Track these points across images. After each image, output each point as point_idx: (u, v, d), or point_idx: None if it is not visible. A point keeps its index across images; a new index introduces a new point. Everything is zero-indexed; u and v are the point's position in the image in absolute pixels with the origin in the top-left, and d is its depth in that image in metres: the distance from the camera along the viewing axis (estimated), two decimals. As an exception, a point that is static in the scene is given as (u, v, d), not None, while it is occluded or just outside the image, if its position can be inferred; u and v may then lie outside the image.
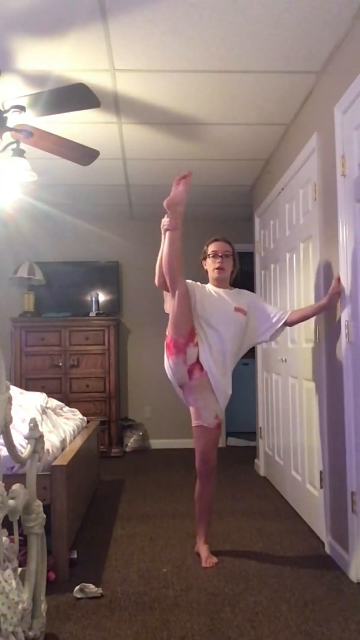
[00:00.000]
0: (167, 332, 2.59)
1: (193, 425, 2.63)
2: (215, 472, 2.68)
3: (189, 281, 2.70)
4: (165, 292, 2.64)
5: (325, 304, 2.56)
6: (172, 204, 2.46)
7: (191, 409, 2.64)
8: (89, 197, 4.87)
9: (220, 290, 2.71)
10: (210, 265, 2.74)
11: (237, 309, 2.66)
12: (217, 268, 2.71)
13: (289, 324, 2.74)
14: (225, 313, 2.63)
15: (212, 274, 2.74)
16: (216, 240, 2.76)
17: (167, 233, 2.48)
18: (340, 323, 2.51)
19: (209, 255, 2.75)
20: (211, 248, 2.74)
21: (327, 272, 2.72)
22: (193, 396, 2.61)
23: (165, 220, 2.49)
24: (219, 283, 2.73)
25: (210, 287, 2.73)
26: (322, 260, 2.79)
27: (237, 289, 2.81)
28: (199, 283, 2.75)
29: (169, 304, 2.60)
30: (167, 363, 2.61)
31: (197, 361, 2.57)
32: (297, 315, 2.72)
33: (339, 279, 2.50)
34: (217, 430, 2.63)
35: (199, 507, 2.70)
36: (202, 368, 2.57)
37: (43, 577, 1.85)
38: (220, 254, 2.71)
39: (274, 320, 2.72)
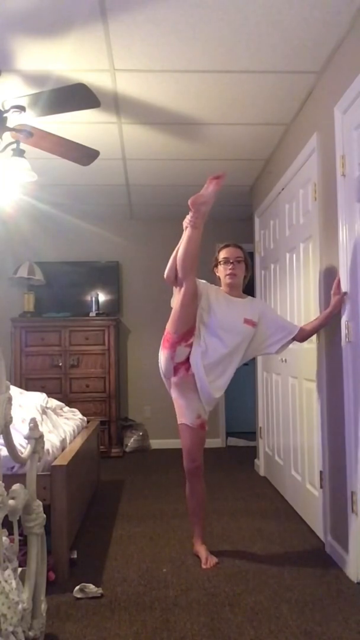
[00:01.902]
0: (167, 325, 2.60)
1: (178, 422, 2.64)
2: (203, 471, 2.68)
3: (203, 281, 2.69)
4: (174, 287, 2.62)
5: (331, 311, 2.54)
6: (196, 202, 2.43)
7: (175, 406, 2.65)
8: (89, 197, 4.87)
9: (232, 299, 2.68)
10: (222, 271, 2.70)
11: (247, 321, 2.64)
12: (229, 274, 2.67)
13: (299, 339, 2.72)
14: (233, 324, 2.61)
15: (224, 280, 2.70)
16: (227, 246, 2.73)
17: (187, 230, 2.47)
18: (340, 323, 2.51)
19: (220, 261, 2.71)
20: (222, 254, 2.71)
21: (327, 272, 2.72)
22: (175, 393, 2.63)
23: (187, 217, 2.47)
24: (231, 290, 2.70)
25: (222, 294, 2.70)
26: (322, 260, 2.79)
27: (249, 297, 2.79)
28: (214, 286, 2.72)
29: (175, 299, 2.59)
30: (160, 353, 2.63)
31: (186, 360, 2.57)
32: (308, 329, 2.69)
33: (339, 283, 2.49)
34: (201, 430, 2.63)
35: (191, 507, 2.71)
36: (188, 368, 2.57)
37: (43, 577, 1.85)
38: (232, 260, 2.67)
39: (283, 334, 2.70)
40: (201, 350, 2.56)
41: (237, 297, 2.72)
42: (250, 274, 2.79)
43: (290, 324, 2.78)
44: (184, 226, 2.48)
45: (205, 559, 2.56)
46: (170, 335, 2.57)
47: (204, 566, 2.52)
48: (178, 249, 2.51)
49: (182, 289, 2.50)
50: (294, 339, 2.71)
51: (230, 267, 2.67)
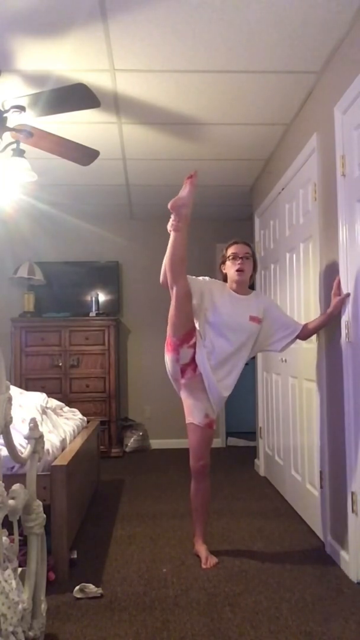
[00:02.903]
0: (167, 329, 2.61)
1: (186, 422, 2.65)
2: (209, 471, 2.68)
3: (206, 278, 2.69)
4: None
5: (332, 312, 2.54)
6: (175, 205, 2.43)
7: (184, 405, 2.66)
8: (89, 197, 4.87)
9: (237, 297, 2.67)
10: (230, 267, 2.68)
11: (252, 318, 2.62)
12: (238, 270, 2.64)
13: (302, 337, 2.71)
14: (238, 322, 2.60)
15: (232, 276, 2.68)
16: (235, 242, 2.72)
17: (171, 234, 2.48)
18: (340, 323, 2.51)
19: (228, 257, 2.69)
20: (231, 250, 2.69)
21: (327, 272, 2.72)
22: (184, 393, 2.64)
23: (170, 221, 2.48)
24: (238, 286, 2.68)
25: (228, 291, 2.68)
26: (322, 260, 2.79)
27: (254, 292, 2.78)
28: (218, 283, 2.71)
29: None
30: (165, 357, 2.64)
31: (191, 361, 2.57)
32: (310, 327, 2.68)
33: (339, 283, 2.49)
34: (209, 429, 2.63)
35: (194, 506, 2.70)
36: (195, 368, 2.56)
37: (43, 577, 1.85)
38: (240, 256, 2.66)
39: (287, 332, 2.69)
40: (207, 351, 2.55)
41: (242, 294, 2.70)
42: (257, 271, 2.78)
43: (293, 322, 2.77)
44: (168, 230, 2.49)
45: (205, 558, 2.56)
46: (171, 338, 2.57)
47: (204, 566, 2.52)
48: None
49: (174, 292, 2.50)
50: (297, 337, 2.71)
51: (238, 262, 2.65)
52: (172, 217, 2.46)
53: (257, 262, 2.76)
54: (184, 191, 2.48)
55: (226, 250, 2.73)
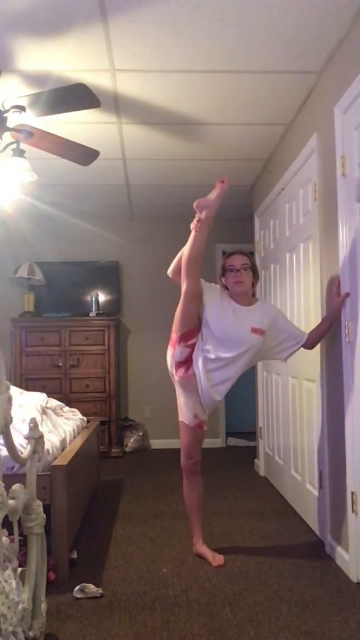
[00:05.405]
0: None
1: (179, 419, 2.67)
2: (200, 469, 2.70)
3: (217, 287, 2.69)
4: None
5: (332, 314, 2.54)
6: (198, 205, 2.47)
7: (177, 403, 2.68)
8: (89, 197, 4.87)
9: (240, 308, 2.62)
10: (228, 280, 2.65)
11: (255, 330, 2.58)
12: (237, 282, 2.61)
13: (307, 346, 2.68)
14: (239, 334, 2.56)
15: (232, 288, 2.64)
16: (232, 254, 2.69)
17: (192, 232, 2.51)
18: (340, 323, 2.51)
19: (226, 270, 2.66)
20: (228, 262, 2.66)
21: (327, 272, 2.72)
22: (178, 390, 2.67)
23: (194, 220, 2.51)
24: (239, 298, 2.64)
25: (231, 303, 2.64)
26: (322, 260, 2.79)
27: (259, 302, 2.72)
28: (226, 293, 2.67)
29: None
30: (167, 350, 2.67)
31: (186, 361, 2.57)
32: (315, 336, 2.65)
33: (339, 284, 2.49)
34: (199, 429, 2.64)
35: (189, 506, 2.71)
36: (188, 368, 2.57)
37: (43, 577, 1.85)
38: (238, 268, 2.61)
39: (293, 342, 2.66)
40: (204, 356, 2.54)
41: (246, 304, 2.64)
42: (258, 280, 2.74)
43: (299, 332, 2.72)
44: (191, 228, 2.51)
45: (212, 557, 2.56)
46: (173, 334, 2.61)
47: (213, 564, 2.52)
48: (183, 249, 2.56)
49: (184, 289, 2.52)
50: (302, 346, 2.68)
51: (237, 274, 2.61)
52: (196, 216, 2.49)
53: (257, 271, 2.71)
54: (212, 194, 2.51)
55: (224, 261, 2.70)
